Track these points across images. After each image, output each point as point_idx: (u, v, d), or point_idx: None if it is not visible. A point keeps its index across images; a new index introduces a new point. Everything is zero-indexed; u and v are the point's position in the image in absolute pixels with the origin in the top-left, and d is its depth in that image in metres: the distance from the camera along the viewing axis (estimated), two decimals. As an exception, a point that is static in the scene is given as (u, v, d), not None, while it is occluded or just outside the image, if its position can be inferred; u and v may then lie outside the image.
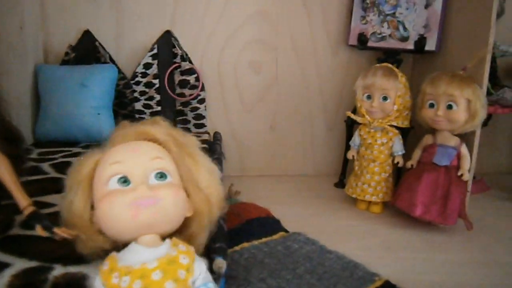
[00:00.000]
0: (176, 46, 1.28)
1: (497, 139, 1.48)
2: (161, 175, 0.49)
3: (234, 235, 0.96)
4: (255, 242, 0.93)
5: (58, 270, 0.55)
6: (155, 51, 1.28)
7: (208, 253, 0.60)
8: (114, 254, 0.48)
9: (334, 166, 1.40)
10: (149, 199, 0.47)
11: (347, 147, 1.22)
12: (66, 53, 1.24)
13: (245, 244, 0.92)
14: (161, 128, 0.54)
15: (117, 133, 0.53)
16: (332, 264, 0.85)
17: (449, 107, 1.01)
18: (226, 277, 0.62)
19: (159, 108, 1.31)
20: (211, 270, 0.57)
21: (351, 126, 1.27)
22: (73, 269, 0.56)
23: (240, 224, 1.01)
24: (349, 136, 1.25)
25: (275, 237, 0.96)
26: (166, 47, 1.28)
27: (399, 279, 0.81)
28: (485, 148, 1.46)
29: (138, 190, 0.47)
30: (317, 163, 1.43)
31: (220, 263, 0.57)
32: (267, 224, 1.01)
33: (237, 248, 0.90)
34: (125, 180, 0.48)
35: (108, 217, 0.47)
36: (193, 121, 1.34)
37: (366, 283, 0.79)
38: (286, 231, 1.00)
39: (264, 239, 0.95)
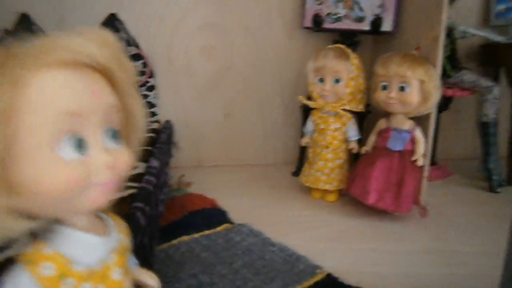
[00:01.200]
0: (121, 30, 1.21)
1: (462, 123, 1.44)
2: (114, 134, 0.34)
3: (174, 227, 0.90)
4: (195, 235, 0.87)
5: None
6: (99, 35, 1.20)
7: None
8: (57, 250, 0.32)
9: (292, 154, 1.35)
10: (115, 181, 0.34)
11: (303, 134, 1.17)
12: (1, 38, 1.16)
13: (185, 238, 0.86)
14: (108, 49, 0.34)
15: (41, 47, 0.31)
16: (273, 257, 0.79)
17: (402, 88, 0.96)
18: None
19: (106, 97, 1.24)
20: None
21: (307, 112, 1.21)
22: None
23: (182, 216, 0.95)
24: (306, 122, 1.20)
25: (218, 229, 0.90)
26: (111, 31, 1.20)
27: (343, 271, 0.76)
28: (450, 132, 1.43)
29: (107, 169, 0.32)
30: (275, 151, 1.38)
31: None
32: (212, 216, 0.96)
33: (174, 241, 0.84)
34: (80, 145, 0.31)
35: (49, 193, 0.30)
36: (143, 110, 1.27)
37: (306, 276, 0.73)
38: (232, 222, 0.94)
39: (206, 232, 0.89)
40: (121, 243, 0.37)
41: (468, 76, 1.17)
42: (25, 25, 1.17)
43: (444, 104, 1.25)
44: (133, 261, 0.43)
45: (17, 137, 0.29)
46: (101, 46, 0.33)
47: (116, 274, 0.36)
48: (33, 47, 0.30)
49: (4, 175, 0.28)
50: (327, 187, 1.07)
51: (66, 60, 0.30)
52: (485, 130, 1.20)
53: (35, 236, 0.33)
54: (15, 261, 0.32)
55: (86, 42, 0.32)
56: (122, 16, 1.22)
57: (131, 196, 0.71)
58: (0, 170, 0.28)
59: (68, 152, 0.30)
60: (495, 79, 1.30)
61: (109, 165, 0.32)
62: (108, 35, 0.35)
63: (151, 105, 1.27)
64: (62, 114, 0.30)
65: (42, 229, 0.32)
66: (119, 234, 0.38)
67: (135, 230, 0.59)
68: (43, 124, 0.29)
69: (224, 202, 1.04)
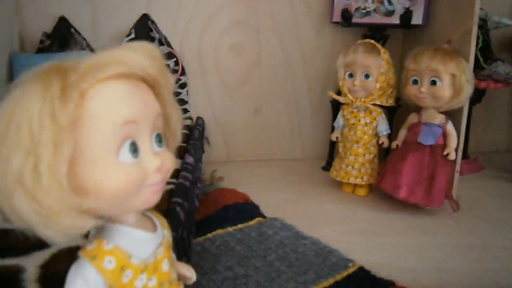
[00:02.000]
0: (154, 30, 1.24)
1: (494, 116, 1.42)
2: (160, 139, 0.38)
3: (209, 221, 0.93)
4: (230, 229, 0.90)
5: (-5, 263, 0.53)
6: (132, 35, 1.24)
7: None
8: (116, 246, 0.36)
9: (322, 149, 1.36)
10: (163, 181, 0.37)
11: (333, 129, 1.18)
12: (41, 41, 1.21)
13: (219, 231, 0.89)
14: (155, 62, 0.37)
15: (99, 62, 0.34)
16: (305, 250, 0.81)
17: (433, 83, 0.95)
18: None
19: (140, 95, 1.28)
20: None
21: (337, 107, 1.22)
22: (10, 261, 0.53)
23: (216, 210, 0.98)
24: (335, 117, 1.20)
25: (251, 223, 0.93)
26: (144, 31, 1.24)
27: (376, 265, 0.77)
28: (481, 126, 1.40)
29: (158, 171, 0.36)
30: (304, 146, 1.39)
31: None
32: (245, 210, 0.98)
33: (209, 235, 0.87)
34: (135, 149, 0.35)
35: (110, 195, 0.33)
36: (175, 107, 1.31)
37: (339, 269, 0.75)
38: (264, 216, 0.96)
39: (239, 226, 0.91)
40: (166, 238, 0.41)
41: (502, 68, 1.15)
42: (63, 28, 1.23)
43: (477, 96, 1.23)
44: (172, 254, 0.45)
45: (83, 145, 0.32)
46: (150, 59, 0.36)
47: (165, 266, 0.39)
48: (91, 63, 0.33)
49: (73, 179, 0.32)
50: (357, 181, 1.08)
51: (122, 73, 0.34)
52: (520, 122, 1.18)
53: (93, 234, 0.37)
54: (78, 258, 0.35)
55: (139, 56, 0.35)
56: (154, 16, 1.26)
57: (169, 191, 0.74)
58: (70, 175, 0.31)
59: (126, 156, 0.34)
60: (530, 70, 1.27)
61: (159, 168, 0.36)
62: (154, 49, 0.38)
63: (183, 102, 1.31)
64: (122, 123, 0.33)
65: (99, 228, 0.36)
66: (163, 230, 0.41)
67: (176, 224, 0.62)
68: (107, 132, 0.33)
69: (255, 197, 1.06)
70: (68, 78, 0.32)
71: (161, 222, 0.42)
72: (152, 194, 0.36)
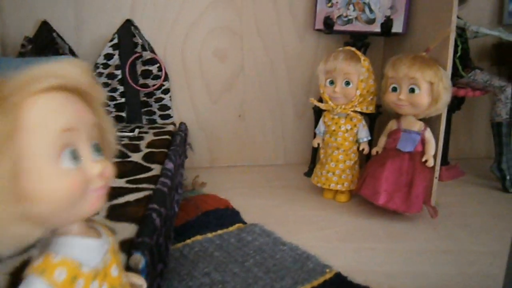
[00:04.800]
0: (137, 35, 1.24)
1: (474, 123, 1.44)
2: (98, 148, 0.39)
3: (189, 227, 0.93)
4: (209, 235, 0.90)
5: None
6: (115, 41, 1.24)
7: (129, 248, 0.57)
8: (64, 257, 0.36)
9: (305, 154, 1.37)
10: (105, 188, 0.38)
11: (315, 135, 1.19)
12: (23, 45, 1.20)
13: (198, 237, 0.89)
14: (86, 74, 0.39)
15: (32, 75, 0.35)
16: (283, 256, 0.82)
17: (411, 90, 0.97)
18: (148, 271, 0.59)
19: (123, 100, 1.28)
20: (128, 266, 0.54)
21: (319, 113, 1.23)
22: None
23: (196, 216, 0.98)
24: (318, 123, 1.21)
25: (231, 229, 0.93)
26: (127, 36, 1.24)
27: (353, 270, 0.78)
28: (461, 133, 1.42)
29: (99, 177, 0.37)
30: (287, 152, 1.40)
31: (136, 259, 0.54)
32: (225, 216, 0.98)
33: (188, 241, 0.87)
34: (76, 156, 0.36)
35: (55, 201, 0.34)
36: (158, 112, 1.31)
37: (316, 275, 0.75)
38: (244, 222, 0.96)
39: (219, 231, 0.92)
40: (112, 244, 0.41)
41: (480, 76, 1.17)
42: (45, 32, 1.22)
43: (457, 104, 1.25)
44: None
45: (23, 155, 0.33)
46: (82, 72, 0.38)
47: (114, 271, 0.40)
48: (25, 77, 0.35)
49: (15, 188, 0.32)
50: (338, 187, 1.08)
51: (56, 85, 0.36)
52: (498, 130, 1.20)
53: (38, 251, 0.37)
54: (25, 277, 0.35)
55: (72, 69, 0.37)
56: (137, 21, 1.26)
57: (146, 198, 0.74)
58: (12, 184, 0.32)
59: (68, 163, 0.35)
60: (509, 78, 1.29)
61: (101, 173, 0.37)
62: (84, 63, 0.40)
63: (166, 107, 1.31)
64: (60, 131, 0.35)
65: (44, 244, 0.37)
66: (107, 237, 0.42)
67: (151, 230, 0.62)
68: (46, 141, 0.34)
69: (237, 202, 1.07)
70: (2, 91, 0.33)
71: (104, 230, 0.42)
72: (97, 199, 0.37)
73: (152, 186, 0.79)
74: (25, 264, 0.53)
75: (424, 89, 0.96)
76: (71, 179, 0.35)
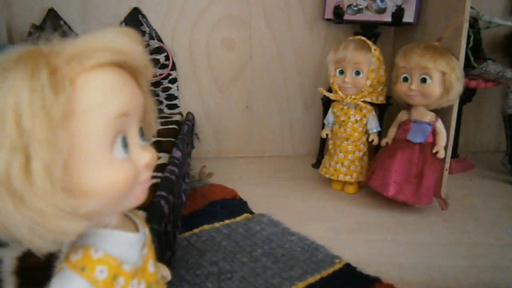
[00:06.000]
0: (144, 23, 1.23)
1: (484, 115, 1.42)
2: (142, 132, 0.35)
3: (196, 217, 0.92)
4: (216, 224, 0.89)
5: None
6: (122, 29, 1.22)
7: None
8: (106, 253, 0.33)
9: (313, 146, 1.35)
10: (150, 177, 0.35)
11: (324, 126, 1.17)
12: (30, 33, 1.20)
13: (206, 227, 0.88)
14: (139, 48, 0.34)
15: (83, 49, 0.30)
16: (292, 246, 0.81)
17: (423, 80, 0.95)
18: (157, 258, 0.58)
19: (129, 89, 1.26)
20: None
21: (328, 104, 1.22)
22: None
23: (203, 206, 0.97)
24: (326, 114, 1.20)
25: (238, 219, 0.92)
26: (134, 25, 1.23)
27: (362, 261, 0.77)
28: (472, 125, 1.41)
29: (147, 167, 0.34)
30: (295, 143, 1.39)
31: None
32: (232, 206, 0.98)
33: (196, 230, 0.86)
34: (125, 144, 0.32)
35: (106, 194, 0.31)
36: (165, 102, 1.30)
37: (325, 266, 0.75)
38: (251, 212, 0.96)
39: (226, 221, 0.91)
40: (147, 237, 0.38)
41: (492, 67, 1.15)
42: (52, 20, 1.21)
43: (468, 95, 1.23)
44: None
45: (77, 141, 0.29)
46: (135, 45, 0.33)
47: (151, 267, 0.37)
48: (78, 48, 0.30)
49: (65, 178, 0.29)
50: (347, 178, 1.07)
51: (108, 61, 0.31)
52: (510, 122, 1.18)
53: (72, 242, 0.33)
54: (61, 270, 0.32)
55: (129, 43, 0.33)
56: (144, 9, 1.25)
57: (154, 185, 0.73)
58: (62, 174, 0.28)
59: (119, 152, 0.31)
60: (521, 70, 1.27)
61: (149, 163, 0.34)
62: (139, 36, 0.35)
63: (173, 97, 1.30)
64: (116, 116, 0.31)
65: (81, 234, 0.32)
66: (144, 228, 0.38)
67: (159, 218, 0.61)
68: (100, 127, 0.30)
69: (244, 193, 1.06)
70: (54, 63, 0.28)
71: (140, 220, 0.39)
72: (142, 192, 0.34)
73: (159, 174, 0.79)
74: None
75: (436, 79, 0.94)
76: (124, 170, 0.31)
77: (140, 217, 0.40)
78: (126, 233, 0.35)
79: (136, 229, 0.37)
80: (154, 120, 0.40)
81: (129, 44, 0.32)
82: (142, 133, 0.35)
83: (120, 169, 0.31)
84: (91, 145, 0.30)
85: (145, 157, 0.33)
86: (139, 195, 0.34)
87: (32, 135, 0.26)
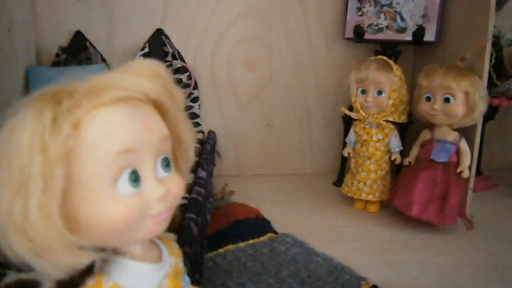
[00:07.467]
0: (167, 44, 1.26)
1: (507, 133, 1.40)
2: (167, 163, 0.35)
3: (220, 236, 0.93)
4: (241, 244, 0.89)
5: (11, 277, 0.54)
6: (146, 50, 1.25)
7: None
8: (116, 283, 0.33)
9: (333, 164, 1.35)
10: (168, 210, 0.34)
11: (345, 144, 1.18)
12: (57, 55, 1.23)
13: (230, 247, 0.88)
14: (159, 81, 0.34)
15: (94, 86, 0.31)
16: (317, 267, 0.81)
17: (446, 100, 0.95)
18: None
19: (152, 108, 1.29)
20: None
21: (348, 123, 1.22)
22: (26, 275, 0.54)
23: (227, 225, 0.98)
24: (347, 133, 1.20)
25: (262, 238, 0.93)
26: (158, 45, 1.26)
27: (389, 283, 0.76)
28: (494, 143, 1.39)
29: (161, 200, 0.33)
30: (315, 161, 1.39)
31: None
32: (256, 225, 0.98)
33: (221, 250, 0.87)
34: (136, 178, 0.32)
35: (107, 229, 0.31)
36: (187, 121, 1.32)
37: (352, 287, 0.74)
38: (275, 232, 0.96)
39: (251, 241, 0.91)
40: (173, 268, 0.38)
41: (515, 85, 1.14)
42: (78, 41, 1.25)
43: (491, 113, 1.22)
44: (186, 280, 0.42)
45: (77, 177, 0.30)
46: (152, 79, 0.34)
47: None
48: (88, 87, 0.31)
49: (66, 213, 0.30)
50: (369, 197, 1.07)
51: (119, 98, 0.32)
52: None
53: (91, 268, 0.34)
54: None
55: (137, 78, 0.33)
56: (167, 30, 1.28)
57: (182, 206, 0.74)
58: (63, 209, 0.29)
59: (126, 187, 0.32)
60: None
61: (162, 196, 0.33)
62: (158, 66, 0.35)
63: (195, 115, 1.32)
64: (120, 152, 0.31)
65: (99, 260, 0.34)
66: (170, 258, 0.38)
67: (190, 240, 0.62)
68: (103, 163, 0.30)
69: (266, 211, 1.06)
70: (62, 105, 0.30)
71: (168, 249, 0.39)
72: (154, 225, 0.34)
73: (186, 195, 0.80)
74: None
75: (459, 99, 0.94)
76: (126, 207, 0.31)
77: (169, 245, 0.39)
78: (143, 264, 0.35)
79: (158, 259, 0.37)
80: (191, 147, 0.39)
81: (137, 79, 0.33)
82: (167, 163, 0.35)
83: (122, 205, 0.31)
84: (92, 181, 0.30)
85: (157, 191, 0.33)
86: (151, 228, 0.34)
87: (29, 174, 0.28)
